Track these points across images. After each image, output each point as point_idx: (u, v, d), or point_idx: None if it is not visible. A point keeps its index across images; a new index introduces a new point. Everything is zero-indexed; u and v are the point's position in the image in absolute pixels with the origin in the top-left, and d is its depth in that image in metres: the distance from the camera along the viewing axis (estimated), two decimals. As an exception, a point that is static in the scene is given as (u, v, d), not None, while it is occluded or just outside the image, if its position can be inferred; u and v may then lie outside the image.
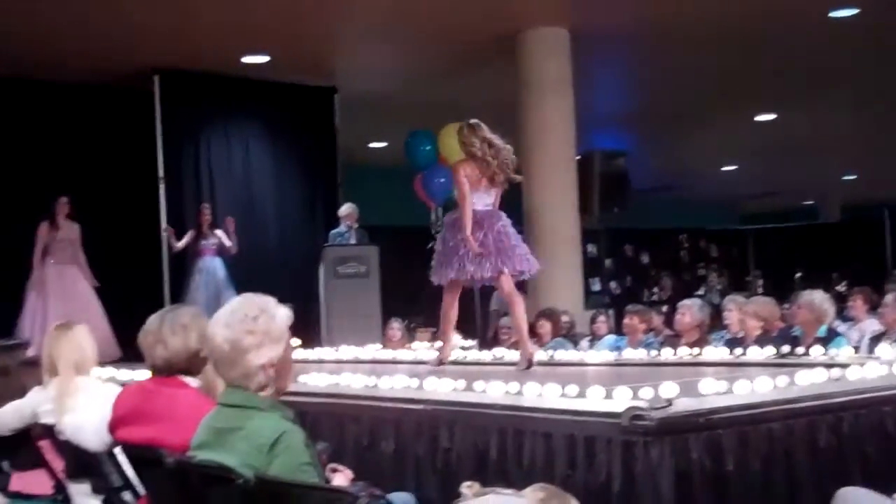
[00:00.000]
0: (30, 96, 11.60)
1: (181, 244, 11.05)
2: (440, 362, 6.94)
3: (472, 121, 6.97)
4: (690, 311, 8.09)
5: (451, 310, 7.02)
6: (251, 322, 3.02)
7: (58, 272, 10.34)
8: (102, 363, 8.41)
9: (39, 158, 11.49)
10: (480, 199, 6.81)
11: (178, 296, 10.79)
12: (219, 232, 11.15)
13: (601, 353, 7.48)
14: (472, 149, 6.83)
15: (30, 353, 5.91)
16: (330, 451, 4.08)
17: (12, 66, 11.07)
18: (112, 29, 10.27)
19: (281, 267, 11.79)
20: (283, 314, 3.09)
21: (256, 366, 3.01)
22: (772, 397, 4.21)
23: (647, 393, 3.98)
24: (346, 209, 11.47)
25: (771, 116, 15.63)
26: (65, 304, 10.12)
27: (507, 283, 6.74)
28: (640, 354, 7.21)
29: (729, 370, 5.69)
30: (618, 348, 8.46)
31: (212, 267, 10.97)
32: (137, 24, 10.14)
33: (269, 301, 3.11)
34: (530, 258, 6.91)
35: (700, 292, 15.49)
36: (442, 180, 11.97)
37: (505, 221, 6.88)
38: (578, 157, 11.63)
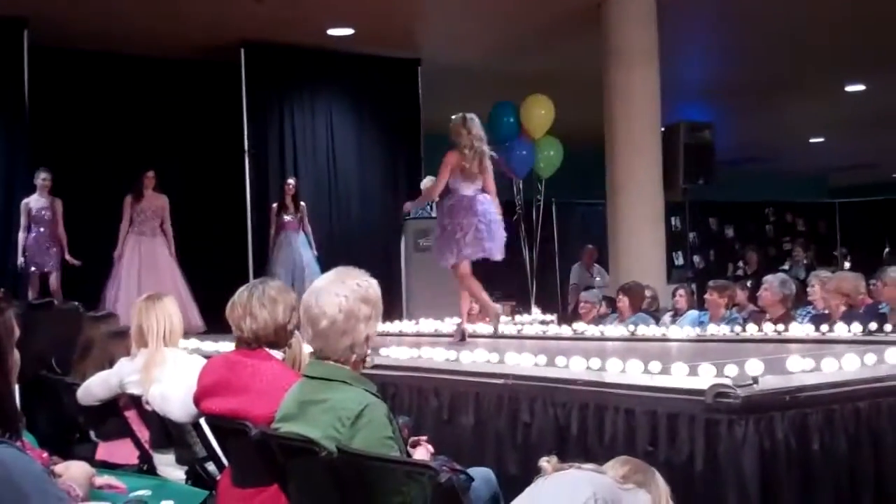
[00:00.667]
0: (119, 70, 11.79)
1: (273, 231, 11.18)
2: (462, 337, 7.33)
3: (468, 115, 7.62)
4: (771, 286, 7.94)
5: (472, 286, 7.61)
6: (364, 291, 3.06)
7: (139, 243, 10.52)
8: (185, 335, 8.60)
9: (129, 132, 11.70)
10: (469, 186, 7.54)
11: (263, 269, 10.93)
12: (303, 205, 11.25)
13: (684, 329, 7.39)
14: (457, 138, 7.54)
15: (118, 323, 6.01)
16: (411, 424, 4.11)
17: (102, 41, 11.27)
18: (200, 3, 10.39)
19: (363, 239, 11.87)
20: (377, 286, 3.14)
21: (363, 335, 3.05)
22: (859, 375, 4.13)
23: (731, 370, 3.92)
24: (427, 182, 11.45)
25: (860, 87, 15.23)
26: (146, 276, 10.31)
27: (467, 267, 7.51)
28: (723, 330, 7.12)
29: (815, 347, 5.59)
30: (701, 323, 8.36)
31: (295, 240, 11.06)
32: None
33: (362, 272, 3.15)
34: (503, 244, 7.60)
35: (785, 267, 15.18)
36: (524, 153, 11.93)
37: (490, 208, 7.54)
38: (663, 129, 11.48)
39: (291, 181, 11.32)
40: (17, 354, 2.32)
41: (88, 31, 10.93)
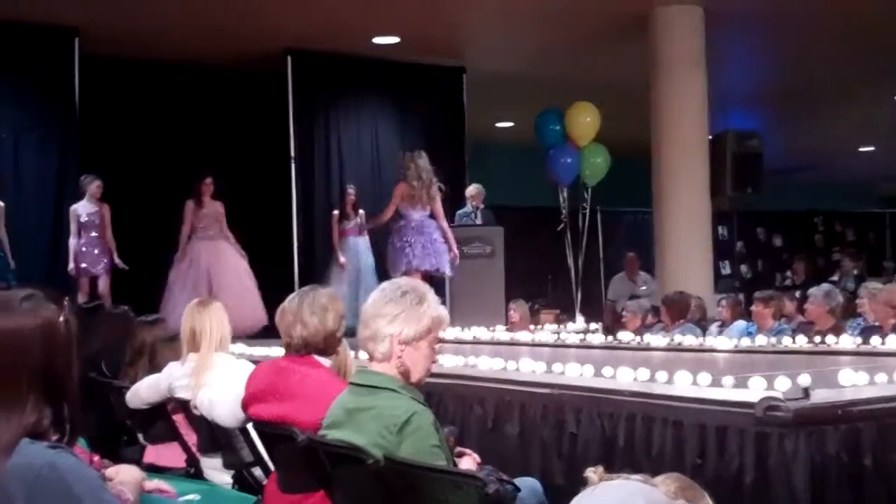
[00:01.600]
0: (167, 79, 11.94)
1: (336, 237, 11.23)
2: None
3: (417, 151, 9.51)
4: (816, 299, 7.85)
5: None
6: (399, 296, 3.13)
7: (205, 248, 10.57)
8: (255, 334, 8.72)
9: (176, 139, 11.85)
10: (417, 212, 9.36)
11: (308, 275, 10.97)
12: (361, 212, 11.26)
13: (731, 340, 7.31)
14: (406, 172, 9.33)
15: (169, 327, 6.02)
16: (456, 433, 4.09)
17: (150, 50, 11.41)
18: (247, 12, 10.47)
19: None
20: (434, 309, 3.15)
21: (385, 333, 3.09)
22: (914, 390, 4.06)
23: (782, 383, 3.86)
24: (472, 189, 11.48)
25: (912, 96, 15.04)
26: (215, 278, 10.37)
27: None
28: (771, 342, 7.03)
29: (866, 360, 5.50)
30: (749, 334, 8.26)
31: (354, 247, 11.06)
32: (271, 6, 10.32)
33: (429, 291, 3.19)
34: (447, 262, 9.42)
35: (834, 278, 14.99)
36: (568, 160, 11.89)
37: (435, 232, 9.38)
38: (711, 138, 11.39)
39: (352, 189, 11.32)
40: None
41: (137, 41, 11.07)
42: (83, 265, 10.18)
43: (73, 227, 10.20)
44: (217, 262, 10.52)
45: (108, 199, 10.39)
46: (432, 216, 9.46)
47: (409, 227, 9.38)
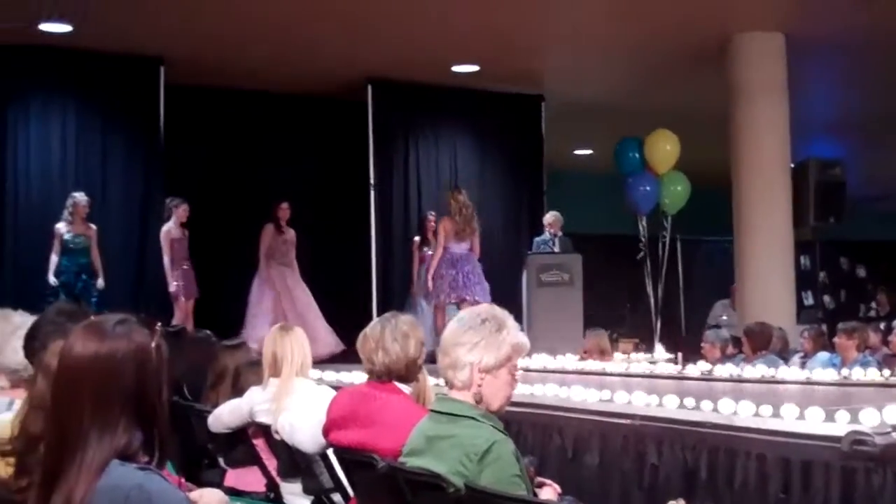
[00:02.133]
0: (249, 107, 12.14)
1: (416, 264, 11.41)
2: None
3: (456, 188, 10.43)
4: (899, 331, 7.68)
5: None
6: (478, 323, 3.09)
7: (281, 274, 10.74)
8: (327, 359, 8.89)
9: (260, 166, 12.03)
10: (458, 246, 10.05)
11: (387, 301, 11.04)
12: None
13: (814, 372, 7.17)
14: (450, 208, 10.08)
15: (250, 352, 6.08)
16: (536, 463, 4.07)
17: (233, 79, 11.62)
18: (329, 41, 10.61)
19: (485, 274, 11.86)
20: (514, 336, 3.11)
21: (464, 361, 3.06)
22: None
23: (868, 416, 3.78)
24: (550, 217, 11.45)
25: None
26: (289, 305, 10.51)
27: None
28: (855, 374, 6.88)
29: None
30: (833, 366, 8.09)
31: None
32: (353, 36, 10.45)
33: (508, 318, 3.15)
34: (486, 292, 10.02)
35: (919, 310, 14.67)
36: (647, 188, 11.81)
37: (473, 263, 10.15)
38: (793, 166, 11.23)
39: (432, 216, 11.42)
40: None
41: (220, 70, 11.29)
42: (185, 287, 10.33)
43: (165, 246, 10.33)
44: (288, 291, 10.68)
45: (189, 223, 10.58)
46: (471, 249, 10.14)
47: (445, 259, 10.04)
